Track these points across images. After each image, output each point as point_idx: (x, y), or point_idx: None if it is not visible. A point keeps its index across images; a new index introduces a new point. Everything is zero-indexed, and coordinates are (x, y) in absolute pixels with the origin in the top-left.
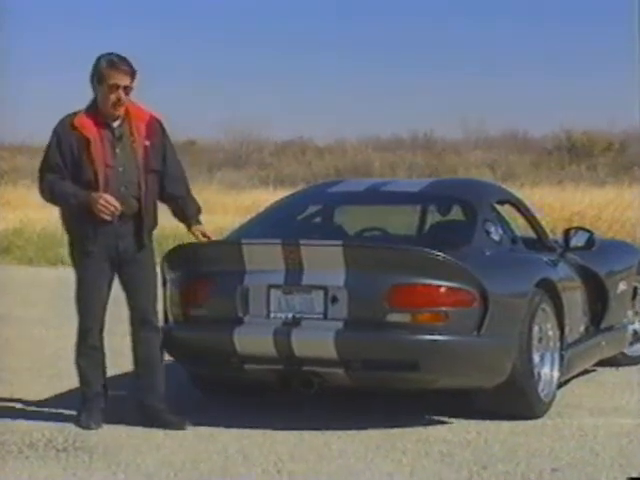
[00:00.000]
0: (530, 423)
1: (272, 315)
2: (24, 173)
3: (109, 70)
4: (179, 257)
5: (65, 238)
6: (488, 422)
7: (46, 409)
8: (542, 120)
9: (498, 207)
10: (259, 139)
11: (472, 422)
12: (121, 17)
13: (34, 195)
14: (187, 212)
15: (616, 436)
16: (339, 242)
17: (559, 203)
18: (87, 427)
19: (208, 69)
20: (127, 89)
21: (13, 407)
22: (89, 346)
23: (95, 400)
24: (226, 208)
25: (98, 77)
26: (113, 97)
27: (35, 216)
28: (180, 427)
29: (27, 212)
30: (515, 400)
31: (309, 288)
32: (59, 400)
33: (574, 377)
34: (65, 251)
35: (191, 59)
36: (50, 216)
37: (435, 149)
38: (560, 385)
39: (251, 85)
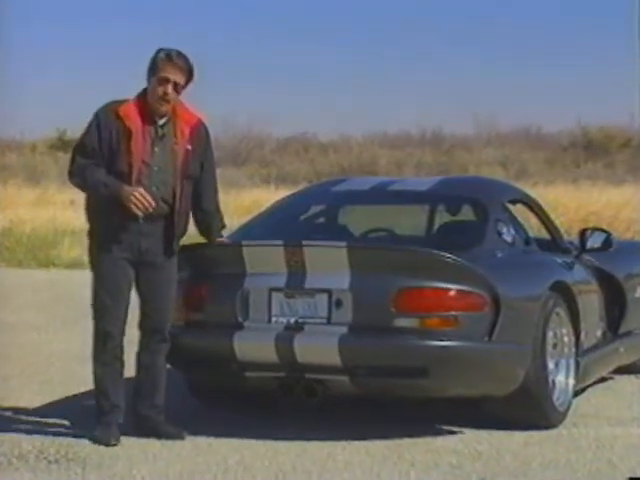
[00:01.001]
0: (544, 433)
1: (274, 320)
2: (14, 171)
3: (163, 62)
4: (177, 259)
5: (66, 239)
6: (500, 432)
7: (37, 418)
8: (557, 115)
9: (510, 207)
10: (260, 135)
11: (483, 432)
12: (120, 15)
13: (24, 195)
14: (212, 228)
15: (635, 447)
16: (343, 243)
17: (574, 203)
18: (106, 443)
19: (206, 64)
20: (177, 86)
21: (2, 416)
22: (108, 353)
23: (112, 414)
24: (226, 208)
25: (153, 68)
26: (160, 90)
27: (25, 216)
28: (177, 437)
29: (17, 212)
30: (529, 409)
31: (312, 291)
32: (51, 408)
33: (590, 385)
34: (56, 253)
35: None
36: (44, 216)
37: (444, 146)
38: (576, 393)
39: (251, 79)
